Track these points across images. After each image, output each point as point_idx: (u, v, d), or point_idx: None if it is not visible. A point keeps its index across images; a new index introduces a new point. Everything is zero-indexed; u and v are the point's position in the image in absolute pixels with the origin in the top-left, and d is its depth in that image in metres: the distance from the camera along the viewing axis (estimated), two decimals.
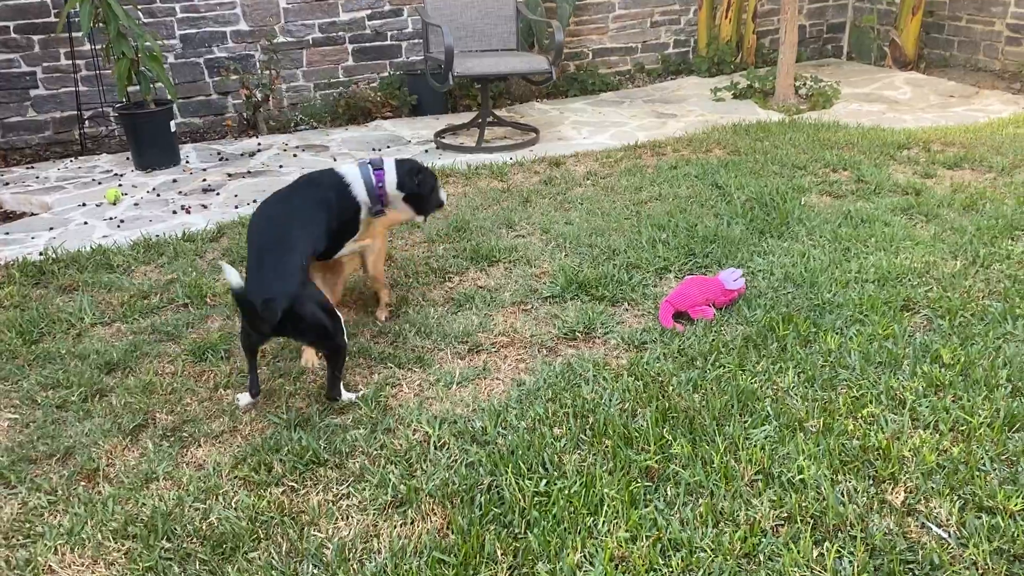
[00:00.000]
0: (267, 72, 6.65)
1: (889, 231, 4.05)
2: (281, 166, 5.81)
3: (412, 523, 2.31)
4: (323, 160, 5.90)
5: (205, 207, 5.05)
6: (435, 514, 2.33)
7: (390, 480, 2.46)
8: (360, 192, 3.15)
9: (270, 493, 2.45)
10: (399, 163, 3.30)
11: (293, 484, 2.49)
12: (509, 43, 6.39)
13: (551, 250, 4.10)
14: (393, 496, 2.41)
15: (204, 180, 5.56)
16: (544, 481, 2.41)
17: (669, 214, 4.43)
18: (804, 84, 7.14)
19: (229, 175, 5.65)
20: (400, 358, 3.17)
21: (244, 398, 2.91)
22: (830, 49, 8.94)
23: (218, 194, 5.28)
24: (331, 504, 2.40)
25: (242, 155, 6.12)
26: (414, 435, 2.70)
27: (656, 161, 5.47)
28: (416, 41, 7.21)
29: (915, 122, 6.24)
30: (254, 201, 5.06)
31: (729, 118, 6.43)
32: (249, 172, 5.71)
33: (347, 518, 2.34)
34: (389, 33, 7.21)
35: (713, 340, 3.16)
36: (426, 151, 6.04)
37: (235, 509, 2.38)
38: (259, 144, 6.38)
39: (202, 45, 6.67)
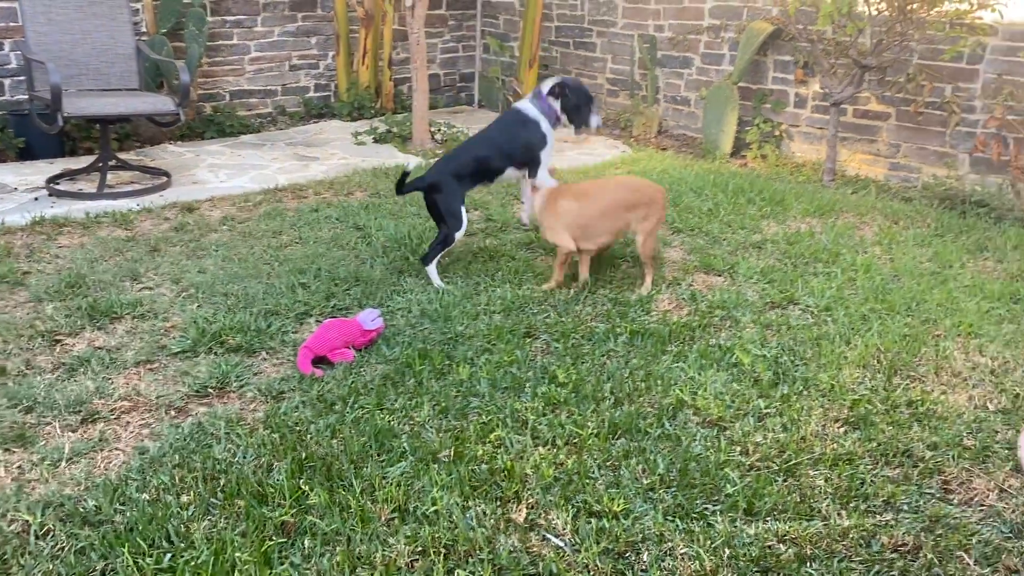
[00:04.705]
0: None
1: (513, 264, 4.38)
2: None
3: None
4: None
5: None
6: None
7: None
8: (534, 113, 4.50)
9: None
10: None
11: None
12: (130, 83, 5.95)
13: (182, 301, 3.85)
14: None
15: None
16: (168, 555, 2.23)
17: (310, 258, 4.39)
18: (439, 130, 7.53)
19: None
20: None
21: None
22: (464, 97, 9.56)
23: None
24: None
25: None
26: (10, 526, 2.35)
27: (297, 204, 5.41)
28: (21, 78, 6.43)
29: None
30: None
31: (370, 161, 6.57)
32: None
33: None
34: None
35: (352, 382, 3.16)
36: (36, 199, 5.38)
37: None
38: None
39: None
